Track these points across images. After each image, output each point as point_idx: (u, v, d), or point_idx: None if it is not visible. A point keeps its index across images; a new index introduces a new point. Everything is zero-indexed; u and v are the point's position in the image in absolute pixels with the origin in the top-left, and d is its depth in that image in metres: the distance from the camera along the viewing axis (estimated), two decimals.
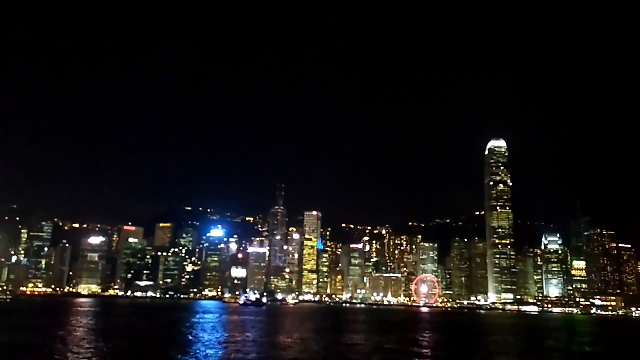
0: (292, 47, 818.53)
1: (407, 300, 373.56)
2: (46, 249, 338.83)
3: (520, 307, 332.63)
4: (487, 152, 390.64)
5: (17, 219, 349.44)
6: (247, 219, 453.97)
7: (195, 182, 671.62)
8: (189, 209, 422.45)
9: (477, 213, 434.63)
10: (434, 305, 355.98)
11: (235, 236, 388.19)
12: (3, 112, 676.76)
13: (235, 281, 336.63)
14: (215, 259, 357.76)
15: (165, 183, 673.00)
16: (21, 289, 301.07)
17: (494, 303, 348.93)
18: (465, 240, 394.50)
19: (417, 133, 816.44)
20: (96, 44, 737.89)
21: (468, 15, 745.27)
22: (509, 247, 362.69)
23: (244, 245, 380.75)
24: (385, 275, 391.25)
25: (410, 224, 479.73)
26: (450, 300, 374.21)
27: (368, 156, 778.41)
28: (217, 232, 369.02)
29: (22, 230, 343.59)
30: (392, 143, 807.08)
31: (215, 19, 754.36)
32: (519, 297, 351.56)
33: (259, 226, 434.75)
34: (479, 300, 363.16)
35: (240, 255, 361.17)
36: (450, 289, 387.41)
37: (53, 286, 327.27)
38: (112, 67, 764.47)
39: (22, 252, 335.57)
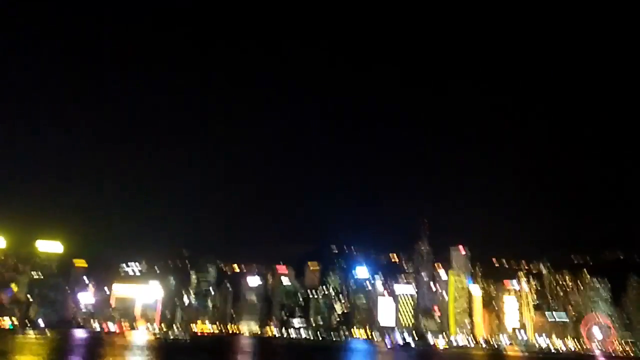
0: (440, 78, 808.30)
1: (577, 347, 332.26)
2: (212, 291, 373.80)
3: None
4: None
5: (187, 263, 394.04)
6: (391, 256, 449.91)
7: (339, 222, 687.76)
8: (335, 249, 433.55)
9: None
10: (611, 352, 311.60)
11: (380, 274, 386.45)
12: (173, 173, 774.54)
13: (383, 322, 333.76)
14: (362, 298, 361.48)
15: (311, 224, 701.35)
16: (191, 327, 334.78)
17: None
18: None
19: (575, 152, 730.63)
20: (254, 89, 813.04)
21: None
22: None
23: (389, 285, 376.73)
24: (548, 316, 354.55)
25: (574, 258, 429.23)
26: (632, 346, 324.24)
27: (519, 183, 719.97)
28: (362, 271, 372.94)
29: (192, 274, 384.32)
30: (546, 164, 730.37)
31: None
32: None
33: (404, 264, 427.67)
34: None
35: (386, 295, 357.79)
36: (629, 333, 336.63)
37: (219, 325, 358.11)
38: (270, 118, 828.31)
39: (192, 293, 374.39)
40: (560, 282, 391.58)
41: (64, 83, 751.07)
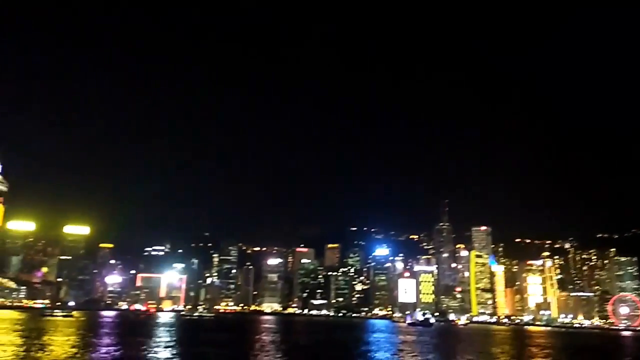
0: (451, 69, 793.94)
1: (603, 323, 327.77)
2: (234, 271, 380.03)
3: None
4: None
5: (210, 244, 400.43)
6: (412, 236, 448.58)
7: (359, 202, 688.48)
8: (354, 228, 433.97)
9: None
10: (639, 328, 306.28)
11: (401, 254, 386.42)
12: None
13: (404, 300, 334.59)
14: (383, 277, 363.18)
15: (331, 205, 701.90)
16: (215, 307, 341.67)
17: None
18: None
19: (603, 133, 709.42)
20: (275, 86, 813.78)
21: None
22: None
23: (409, 264, 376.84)
24: (572, 294, 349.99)
25: (600, 235, 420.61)
26: None
27: (542, 163, 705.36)
28: (382, 251, 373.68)
29: (214, 255, 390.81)
30: (571, 144, 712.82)
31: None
32: None
33: (425, 244, 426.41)
34: None
35: (407, 274, 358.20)
36: None
37: (241, 304, 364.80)
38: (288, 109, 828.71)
39: (215, 274, 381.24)
40: (586, 260, 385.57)
41: (90, 74, 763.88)
